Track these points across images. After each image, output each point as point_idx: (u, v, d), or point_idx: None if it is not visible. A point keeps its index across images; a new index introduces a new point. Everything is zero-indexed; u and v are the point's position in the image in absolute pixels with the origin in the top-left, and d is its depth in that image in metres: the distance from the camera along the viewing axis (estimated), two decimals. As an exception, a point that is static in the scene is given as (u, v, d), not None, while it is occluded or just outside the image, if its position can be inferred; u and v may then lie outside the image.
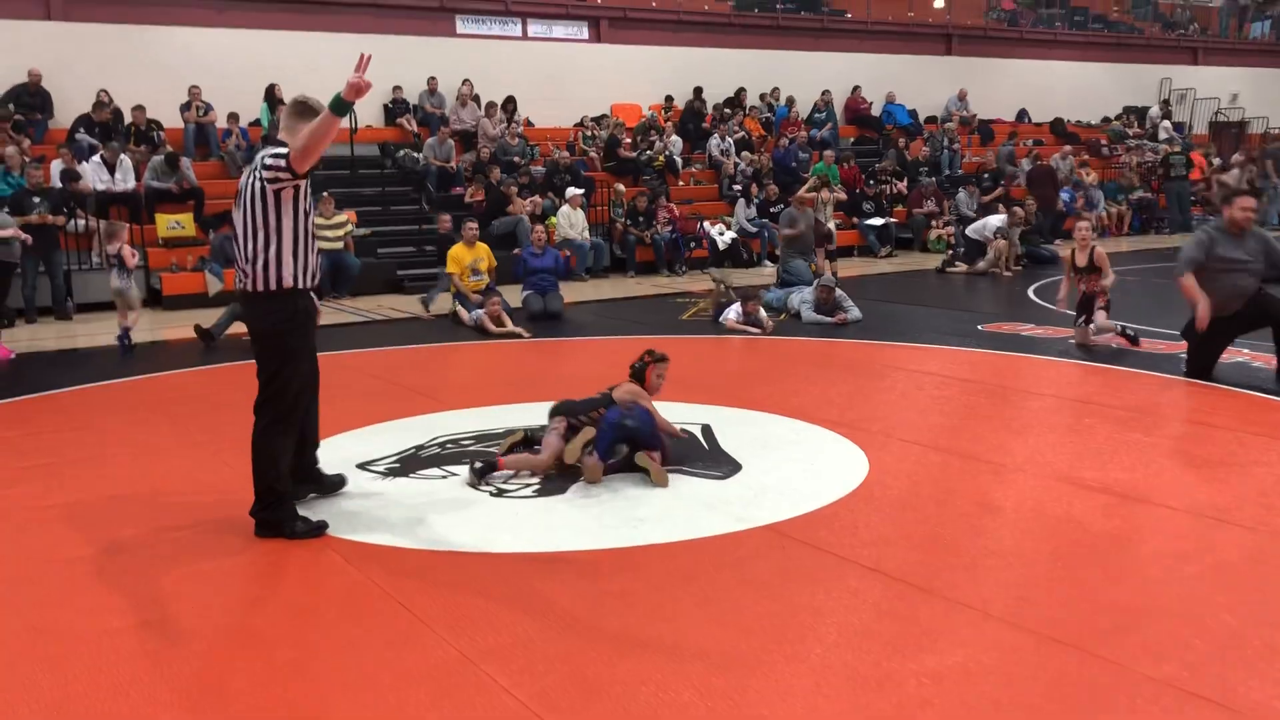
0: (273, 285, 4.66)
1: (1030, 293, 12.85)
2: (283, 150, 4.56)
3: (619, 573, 4.29)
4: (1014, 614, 3.78)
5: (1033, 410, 7.15)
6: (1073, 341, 9.18)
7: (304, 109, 4.71)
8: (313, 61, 17.19)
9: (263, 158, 4.62)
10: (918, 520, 4.85)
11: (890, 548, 4.49)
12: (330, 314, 12.19)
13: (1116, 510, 4.89)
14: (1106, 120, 25.91)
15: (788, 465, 5.73)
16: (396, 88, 18.17)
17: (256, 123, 16.51)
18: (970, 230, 16.04)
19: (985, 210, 17.52)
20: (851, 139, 22.03)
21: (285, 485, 4.79)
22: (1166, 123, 25.72)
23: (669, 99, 20.59)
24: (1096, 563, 4.28)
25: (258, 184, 4.61)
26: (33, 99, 15.42)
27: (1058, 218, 18.98)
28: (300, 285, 4.72)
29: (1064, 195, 19.77)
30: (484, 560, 4.43)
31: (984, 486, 5.34)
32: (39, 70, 15.51)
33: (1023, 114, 25.36)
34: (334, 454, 6.04)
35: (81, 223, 13.09)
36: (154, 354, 9.92)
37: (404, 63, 18.22)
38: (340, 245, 13.73)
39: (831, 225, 15.10)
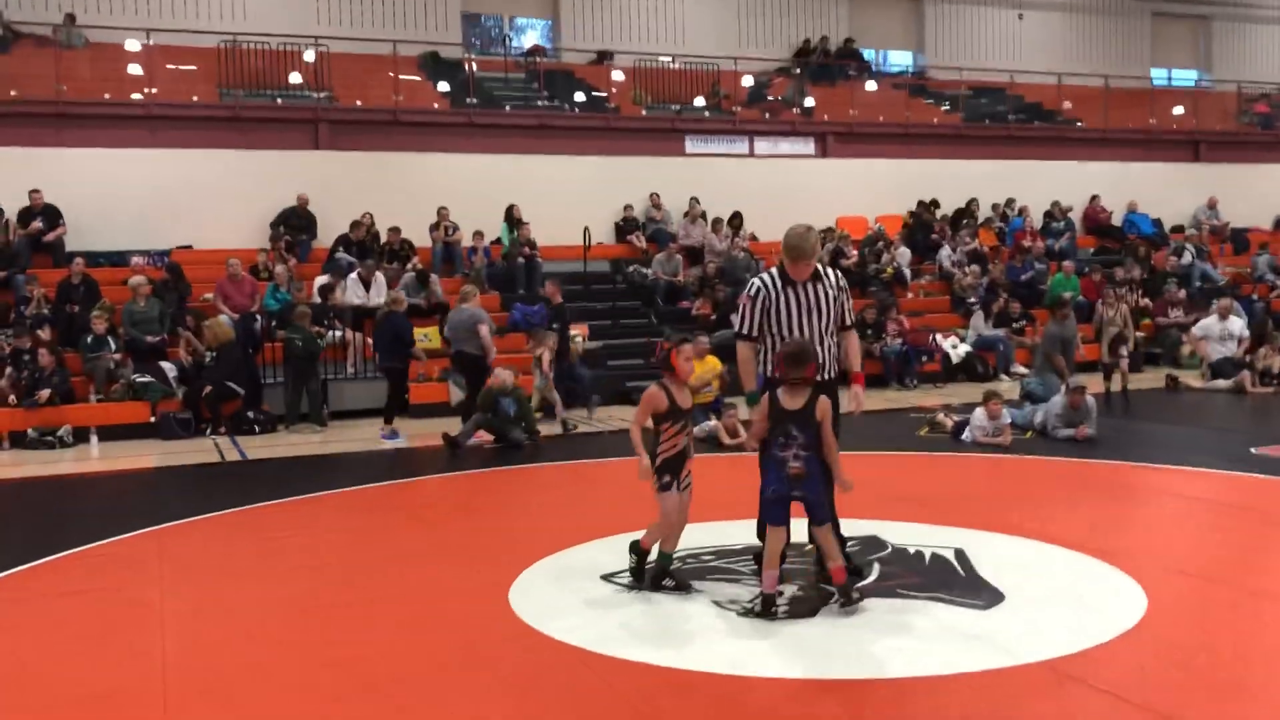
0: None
1: (1307, 412, 11.79)
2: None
3: (885, 706, 4.05)
4: (1349, 782, 3.32)
5: (1330, 544, 6.46)
6: None
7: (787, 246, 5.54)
8: (550, 183, 18.07)
9: (836, 280, 5.63)
10: (1213, 664, 4.38)
11: (1187, 695, 4.06)
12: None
13: None
14: (1380, 225, 23.86)
15: (1055, 596, 5.32)
16: (627, 206, 18.75)
17: (498, 241, 17.33)
18: (1201, 339, 15.33)
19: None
20: (1091, 249, 21.11)
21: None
22: None
23: (910, 211, 20.38)
24: None
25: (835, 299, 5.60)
26: (300, 221, 16.79)
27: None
28: None
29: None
30: (740, 684, 4.26)
31: (1286, 629, 4.80)
32: (306, 195, 16.89)
33: (1280, 221, 23.72)
34: (579, 562, 6.07)
35: (337, 334, 13.97)
36: (402, 460, 10.38)
37: (635, 182, 18.86)
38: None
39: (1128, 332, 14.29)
